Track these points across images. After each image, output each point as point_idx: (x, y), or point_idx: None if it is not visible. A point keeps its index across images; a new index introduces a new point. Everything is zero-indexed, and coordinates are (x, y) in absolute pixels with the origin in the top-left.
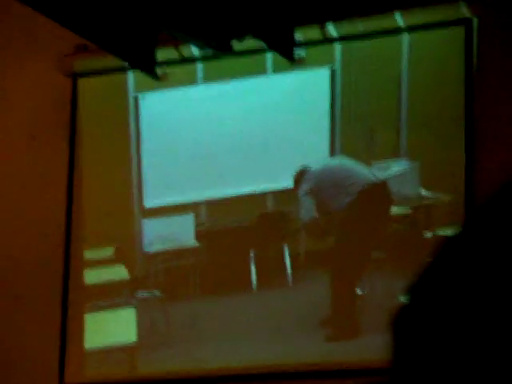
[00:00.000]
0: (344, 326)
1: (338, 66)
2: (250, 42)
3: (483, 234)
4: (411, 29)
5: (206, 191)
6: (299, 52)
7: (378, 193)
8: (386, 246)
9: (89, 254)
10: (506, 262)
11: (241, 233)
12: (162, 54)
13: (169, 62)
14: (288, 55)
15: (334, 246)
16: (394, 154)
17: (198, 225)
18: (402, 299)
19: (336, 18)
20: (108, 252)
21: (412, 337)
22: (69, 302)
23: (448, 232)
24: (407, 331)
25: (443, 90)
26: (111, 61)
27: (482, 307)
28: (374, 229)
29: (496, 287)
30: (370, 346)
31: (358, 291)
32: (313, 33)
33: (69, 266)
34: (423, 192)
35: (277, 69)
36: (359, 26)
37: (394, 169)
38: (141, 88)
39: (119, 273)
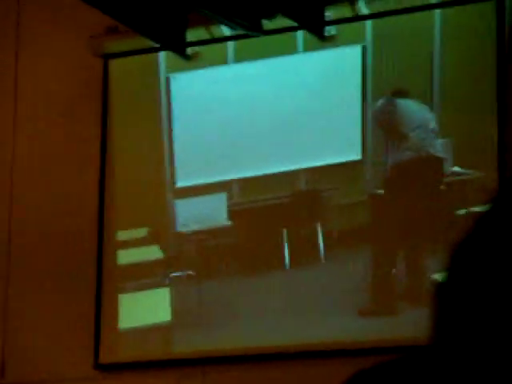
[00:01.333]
0: (382, 304)
1: (369, 43)
2: (281, 21)
3: None
4: (443, 4)
5: (238, 170)
6: (330, 30)
7: (427, 167)
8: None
9: (122, 235)
10: None
11: (273, 211)
12: (193, 35)
13: (199, 42)
14: (319, 33)
15: (371, 221)
16: None
17: (230, 204)
18: (438, 275)
19: None
20: (141, 232)
21: (453, 311)
22: (103, 282)
23: (481, 209)
24: (448, 306)
25: (476, 66)
26: (142, 42)
27: None
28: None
29: None
30: (405, 324)
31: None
32: (343, 10)
33: (102, 247)
34: (456, 169)
35: (308, 47)
36: (390, 2)
37: None
38: (172, 68)
39: (153, 253)
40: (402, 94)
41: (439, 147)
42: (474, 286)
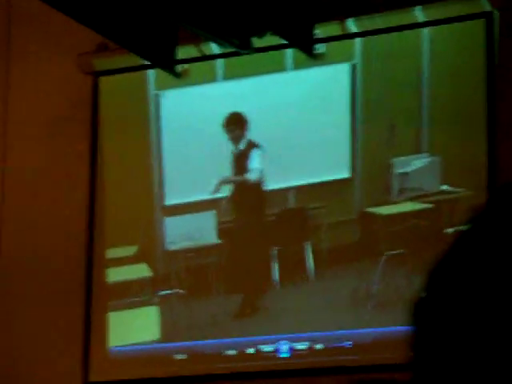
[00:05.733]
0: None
1: (358, 61)
2: (270, 39)
3: (498, 225)
4: (431, 23)
5: (227, 188)
6: (319, 48)
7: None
8: (408, 241)
9: (111, 253)
10: None
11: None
12: (183, 52)
13: (189, 60)
14: (308, 51)
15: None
16: (416, 149)
17: (219, 222)
18: (421, 292)
19: (356, 14)
20: (130, 251)
21: (430, 328)
22: (92, 300)
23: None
24: (425, 323)
25: (464, 84)
26: (132, 59)
27: (500, 296)
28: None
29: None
30: (392, 342)
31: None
32: (333, 28)
33: (92, 265)
34: (445, 187)
35: (297, 65)
36: (379, 20)
37: (416, 164)
38: (161, 86)
39: (142, 271)
40: None
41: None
42: (450, 305)
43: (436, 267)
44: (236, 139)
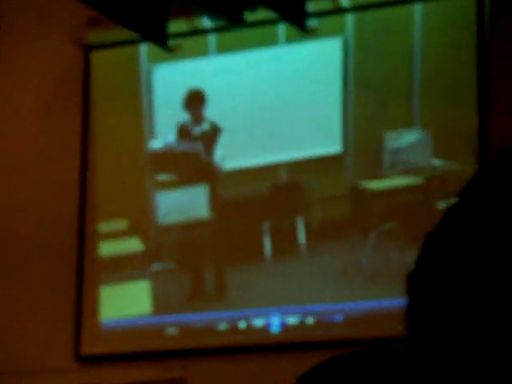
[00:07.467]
0: None
1: (350, 36)
2: (262, 13)
3: (488, 195)
4: None
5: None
6: (311, 22)
7: None
8: (399, 215)
9: (103, 227)
10: None
11: (254, 204)
12: (174, 26)
13: (181, 34)
14: (300, 25)
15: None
16: (407, 123)
17: (211, 196)
18: (414, 264)
19: None
20: (122, 224)
21: (423, 299)
22: (84, 274)
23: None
24: (418, 295)
25: (456, 58)
26: (124, 33)
27: (493, 266)
28: None
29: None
30: (384, 315)
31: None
32: (325, 3)
33: (83, 239)
34: (436, 162)
35: (289, 39)
36: None
37: (407, 138)
38: (153, 60)
39: (134, 245)
40: None
41: None
42: (442, 275)
43: (428, 239)
44: (199, 118)
